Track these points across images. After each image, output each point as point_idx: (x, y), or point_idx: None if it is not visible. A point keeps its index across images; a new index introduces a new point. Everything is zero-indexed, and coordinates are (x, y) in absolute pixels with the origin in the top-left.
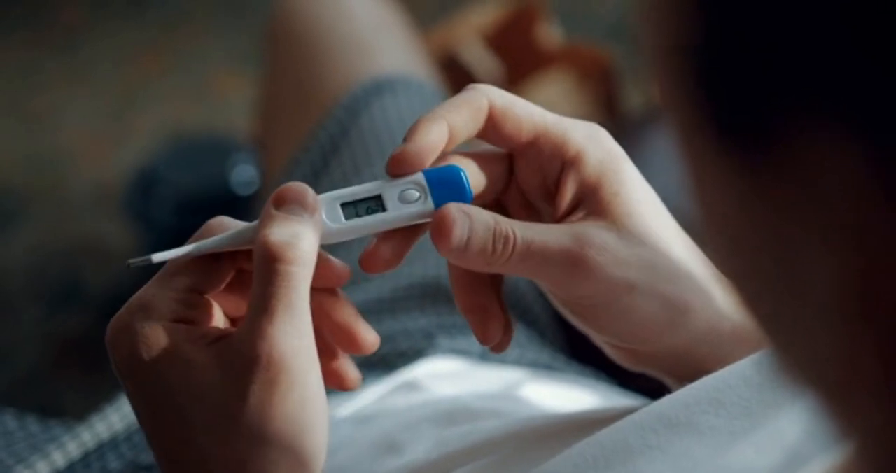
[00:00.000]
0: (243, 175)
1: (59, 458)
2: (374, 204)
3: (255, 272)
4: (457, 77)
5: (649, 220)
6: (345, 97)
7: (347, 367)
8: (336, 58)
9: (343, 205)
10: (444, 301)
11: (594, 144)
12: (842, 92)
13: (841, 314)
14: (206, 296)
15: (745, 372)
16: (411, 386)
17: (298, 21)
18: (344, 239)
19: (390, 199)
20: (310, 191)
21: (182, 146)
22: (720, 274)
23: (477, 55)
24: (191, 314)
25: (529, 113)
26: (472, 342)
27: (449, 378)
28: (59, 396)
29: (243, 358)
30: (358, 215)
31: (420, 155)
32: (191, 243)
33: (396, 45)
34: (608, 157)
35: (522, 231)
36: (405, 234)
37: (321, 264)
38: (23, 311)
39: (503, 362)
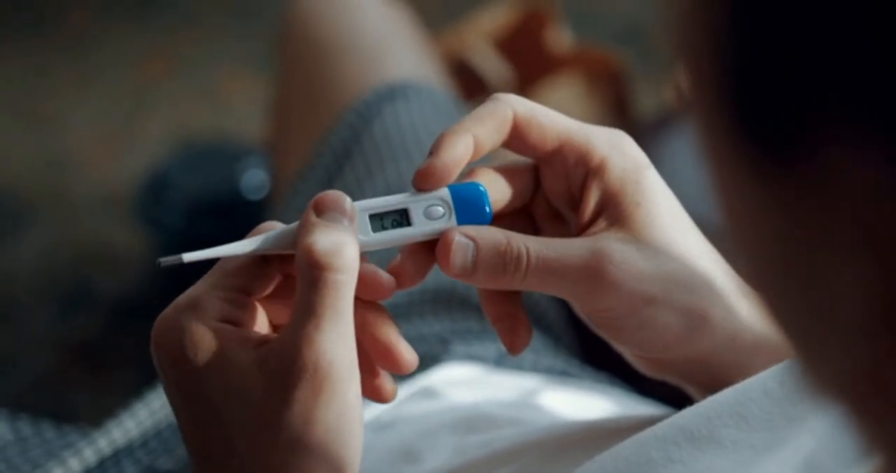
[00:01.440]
0: (253, 180)
1: (76, 464)
2: (400, 217)
3: (299, 279)
4: (467, 81)
5: (670, 230)
6: (357, 103)
7: (386, 381)
8: (348, 63)
9: (370, 217)
10: (458, 306)
11: (618, 152)
12: (864, 98)
13: (866, 326)
14: (253, 299)
15: (766, 385)
16: (428, 393)
17: (310, 26)
18: (370, 250)
19: (416, 214)
20: (348, 199)
21: (192, 151)
22: (744, 283)
23: (487, 59)
24: (237, 314)
25: (553, 121)
26: (487, 347)
27: (465, 384)
28: (69, 400)
29: (288, 364)
30: (384, 228)
31: (446, 169)
32: (230, 245)
33: (408, 50)
34: (631, 166)
35: (538, 248)
36: (428, 252)
37: (369, 276)
38: (32, 316)
39: (519, 368)
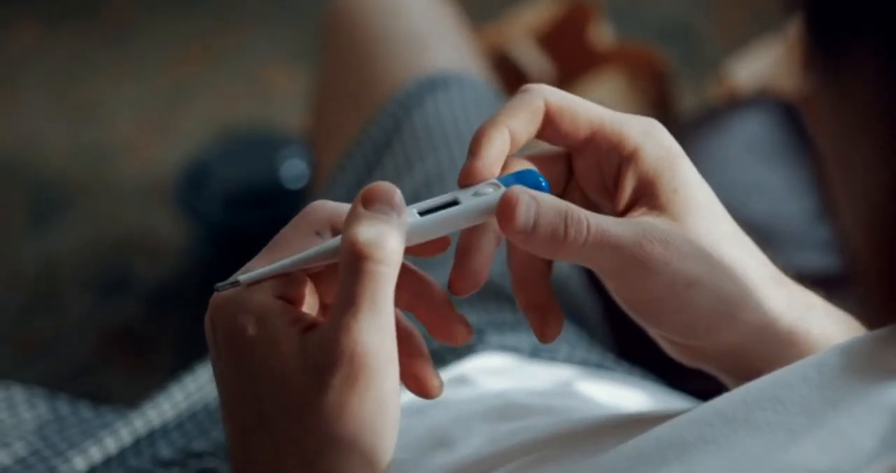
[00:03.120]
0: (293, 169)
1: (111, 443)
2: (448, 206)
3: (341, 269)
4: (508, 75)
5: (708, 217)
6: (398, 93)
7: (430, 372)
8: (390, 54)
9: (419, 213)
10: (493, 298)
11: (651, 140)
12: (876, 26)
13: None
14: (306, 277)
15: (805, 373)
16: (462, 381)
17: (353, 16)
18: (424, 238)
19: (465, 198)
20: (397, 191)
21: (232, 140)
22: (778, 272)
23: (528, 54)
24: (292, 290)
25: (585, 110)
26: (522, 338)
27: (499, 373)
28: (107, 386)
29: (326, 352)
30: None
31: (488, 167)
32: (282, 260)
33: (451, 42)
34: (665, 154)
35: (597, 219)
36: (484, 249)
37: (418, 281)
38: (73, 301)
39: (553, 360)
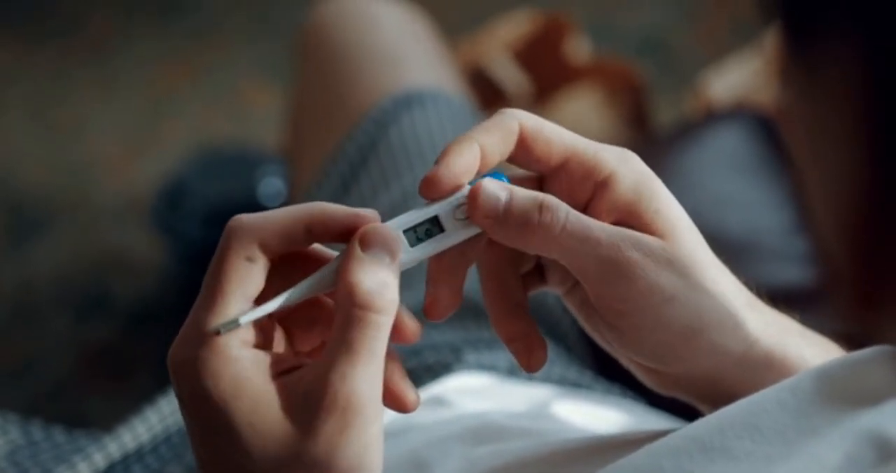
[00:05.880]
0: (271, 187)
1: (85, 469)
2: (431, 224)
3: (339, 314)
4: (485, 90)
5: (689, 239)
6: (374, 110)
7: (407, 386)
8: (365, 70)
9: (404, 232)
10: (471, 316)
11: (626, 165)
12: (846, 14)
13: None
14: (274, 320)
15: (780, 396)
16: (439, 401)
17: (328, 33)
18: (410, 266)
19: (447, 219)
20: (397, 236)
21: (210, 158)
22: (754, 296)
23: (505, 69)
24: (261, 335)
25: (560, 135)
26: (499, 357)
27: (476, 393)
28: (85, 406)
29: (318, 397)
30: (419, 239)
31: (452, 177)
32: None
33: (426, 58)
34: (642, 178)
35: (575, 213)
36: (457, 273)
37: (398, 320)
38: (50, 320)
39: (530, 378)
